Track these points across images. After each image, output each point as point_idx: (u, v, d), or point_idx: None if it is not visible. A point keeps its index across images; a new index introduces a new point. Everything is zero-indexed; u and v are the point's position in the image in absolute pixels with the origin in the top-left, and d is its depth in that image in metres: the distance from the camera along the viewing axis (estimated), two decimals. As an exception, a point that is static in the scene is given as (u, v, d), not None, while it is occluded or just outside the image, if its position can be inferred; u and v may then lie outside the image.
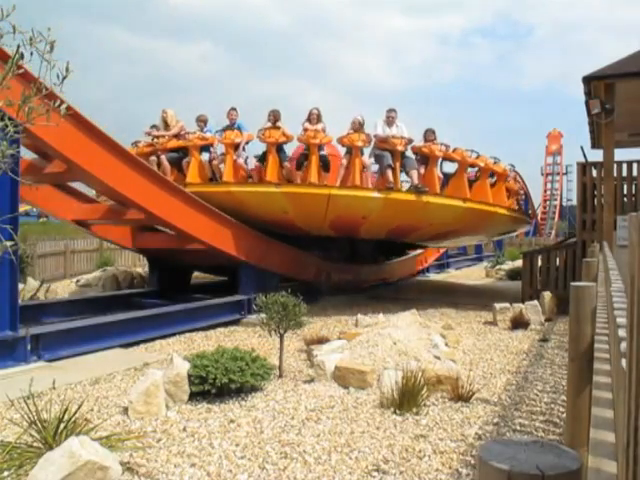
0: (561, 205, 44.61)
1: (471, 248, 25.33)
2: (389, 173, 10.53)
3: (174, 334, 8.36)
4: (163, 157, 10.96)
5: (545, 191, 45.56)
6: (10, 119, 2.97)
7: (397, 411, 4.95)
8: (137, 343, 7.76)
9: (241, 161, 10.86)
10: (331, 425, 4.64)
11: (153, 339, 8.00)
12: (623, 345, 1.65)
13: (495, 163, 11.97)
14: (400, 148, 10.77)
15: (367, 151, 11.13)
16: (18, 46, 2.78)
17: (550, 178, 45.82)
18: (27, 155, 7.95)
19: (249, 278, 10.22)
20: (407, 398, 5.00)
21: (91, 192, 10.52)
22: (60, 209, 9.71)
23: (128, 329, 7.78)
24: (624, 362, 1.48)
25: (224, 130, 11.03)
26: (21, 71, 2.98)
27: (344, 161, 10.78)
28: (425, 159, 11.25)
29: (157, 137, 11.29)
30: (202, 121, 11.48)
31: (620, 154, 11.43)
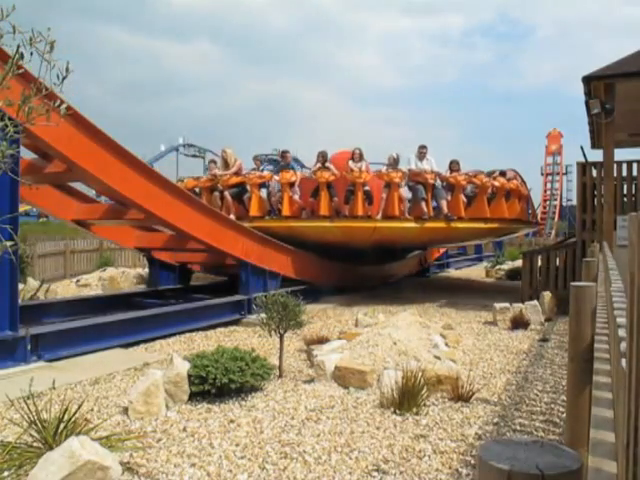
0: (561, 205, 44.60)
1: (471, 248, 25.33)
2: (423, 205, 12.27)
3: (174, 334, 8.36)
4: (226, 193, 12.57)
5: (545, 191, 45.55)
6: (10, 119, 2.97)
7: (397, 411, 4.95)
8: (137, 343, 7.77)
9: (296, 197, 12.44)
10: (331, 425, 4.64)
11: (153, 339, 8.00)
12: (623, 345, 1.66)
13: (509, 180, 13.62)
14: (430, 181, 12.42)
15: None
16: (18, 46, 2.78)
17: (550, 178, 45.81)
18: (27, 155, 7.95)
19: (248, 278, 10.22)
20: (407, 398, 5.00)
21: (91, 192, 10.52)
22: (60, 209, 9.71)
23: (128, 329, 7.78)
24: (624, 362, 1.48)
25: (280, 170, 12.82)
26: (21, 71, 2.98)
27: (384, 195, 12.28)
28: (451, 187, 12.82)
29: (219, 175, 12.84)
30: (259, 160, 14.08)
31: (620, 154, 11.44)
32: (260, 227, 11.33)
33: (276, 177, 12.71)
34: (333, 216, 12.10)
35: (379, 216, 12.13)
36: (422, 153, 12.67)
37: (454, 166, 13.15)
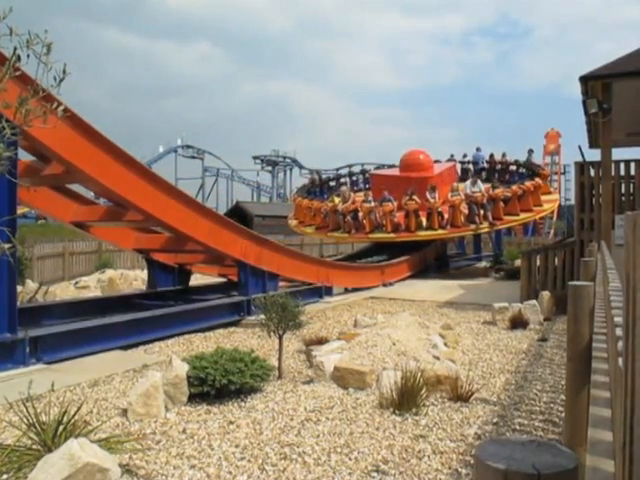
0: (559, 205, 44.57)
1: (470, 248, 25.34)
2: (475, 217, 18.37)
3: (173, 335, 8.36)
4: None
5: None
6: (7, 121, 2.97)
7: (396, 411, 4.96)
8: (136, 345, 7.76)
9: (395, 220, 18.43)
10: (330, 426, 4.64)
11: (152, 341, 8.00)
12: (620, 344, 1.66)
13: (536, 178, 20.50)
14: (479, 200, 18.39)
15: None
16: (15, 48, 2.78)
17: (548, 178, 45.77)
18: (25, 157, 7.94)
19: (247, 279, 10.22)
20: (406, 398, 5.00)
21: (89, 194, 10.52)
22: (58, 211, 9.69)
23: (127, 331, 7.78)
24: (621, 361, 1.48)
25: (381, 202, 18.60)
26: (18, 73, 2.98)
27: (446, 215, 18.55)
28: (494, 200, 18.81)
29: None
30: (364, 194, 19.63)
31: (618, 153, 11.45)
32: (375, 239, 19.19)
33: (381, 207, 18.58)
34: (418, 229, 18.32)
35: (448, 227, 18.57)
36: (474, 180, 19.12)
37: (494, 158, 22.61)
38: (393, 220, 18.52)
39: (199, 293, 11.70)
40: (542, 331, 9.02)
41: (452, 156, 23.80)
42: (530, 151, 22.69)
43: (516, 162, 22.33)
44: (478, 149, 23.46)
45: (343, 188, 20.81)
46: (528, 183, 19.51)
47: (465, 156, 23.60)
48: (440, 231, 18.35)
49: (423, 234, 18.22)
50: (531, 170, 21.45)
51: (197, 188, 71.30)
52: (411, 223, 18.39)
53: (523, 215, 19.37)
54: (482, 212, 18.45)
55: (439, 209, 18.48)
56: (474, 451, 1.48)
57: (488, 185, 19.58)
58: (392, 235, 18.53)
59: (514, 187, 19.15)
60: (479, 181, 19.02)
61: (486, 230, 19.27)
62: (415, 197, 18.29)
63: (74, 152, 7.27)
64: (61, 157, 7.27)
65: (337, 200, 19.96)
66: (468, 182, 19.06)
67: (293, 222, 22.03)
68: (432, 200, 18.28)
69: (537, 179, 20.16)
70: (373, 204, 18.92)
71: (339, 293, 13.17)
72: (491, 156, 22.98)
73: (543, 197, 20.35)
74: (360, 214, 18.98)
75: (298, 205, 21.78)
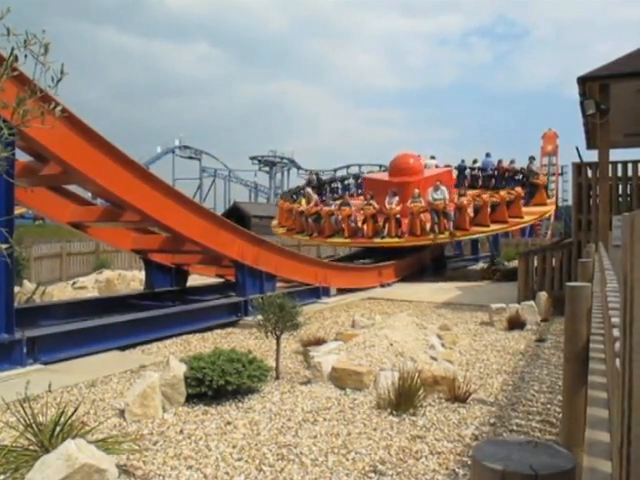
0: (557, 205, 44.60)
1: (467, 248, 25.37)
2: (435, 226, 17.31)
3: (170, 336, 8.36)
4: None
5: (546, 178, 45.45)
6: (5, 121, 2.96)
7: (394, 412, 4.96)
8: (134, 345, 7.76)
9: (353, 225, 18.18)
10: (328, 426, 4.65)
11: (149, 341, 7.99)
12: (618, 345, 1.66)
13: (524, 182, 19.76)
14: (441, 208, 17.24)
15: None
16: (13, 48, 2.77)
17: (543, 186, 45.78)
18: (22, 157, 7.93)
19: (245, 279, 10.22)
20: (404, 399, 5.00)
21: (87, 194, 10.51)
22: (56, 211, 9.68)
23: (124, 331, 7.77)
24: (618, 362, 1.48)
25: (340, 206, 18.38)
26: (16, 73, 2.97)
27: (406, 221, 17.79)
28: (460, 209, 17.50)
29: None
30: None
31: (615, 154, 11.47)
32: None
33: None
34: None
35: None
36: (436, 186, 17.67)
37: (502, 165, 21.45)
38: (350, 225, 18.08)
39: (197, 294, 11.69)
40: (539, 332, 9.03)
41: (463, 161, 22.53)
42: (531, 158, 21.08)
43: (522, 170, 20.89)
44: (488, 155, 22.16)
45: (308, 189, 20.57)
46: (503, 192, 18.16)
47: (475, 162, 22.16)
48: (395, 239, 17.53)
49: (378, 242, 17.63)
50: (525, 177, 20.26)
51: (195, 189, 71.31)
52: (368, 229, 17.85)
53: (494, 226, 17.92)
54: (445, 221, 17.37)
55: (397, 216, 17.73)
56: (471, 452, 1.49)
57: (476, 191, 18.83)
58: (348, 240, 18.30)
59: (484, 196, 17.88)
60: (442, 187, 17.79)
61: (446, 240, 18.25)
62: (373, 202, 17.88)
63: (72, 152, 7.26)
64: (59, 157, 7.26)
65: (304, 202, 19.85)
66: (430, 188, 17.90)
67: (274, 223, 22.30)
68: (388, 206, 17.61)
69: (518, 189, 18.55)
70: (333, 207, 18.58)
71: (336, 294, 13.17)
72: (499, 162, 21.60)
73: (533, 208, 19.08)
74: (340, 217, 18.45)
75: (280, 207, 21.80)
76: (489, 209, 17.65)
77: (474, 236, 18.73)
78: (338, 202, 19.19)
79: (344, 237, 18.00)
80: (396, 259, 17.35)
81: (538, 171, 19.88)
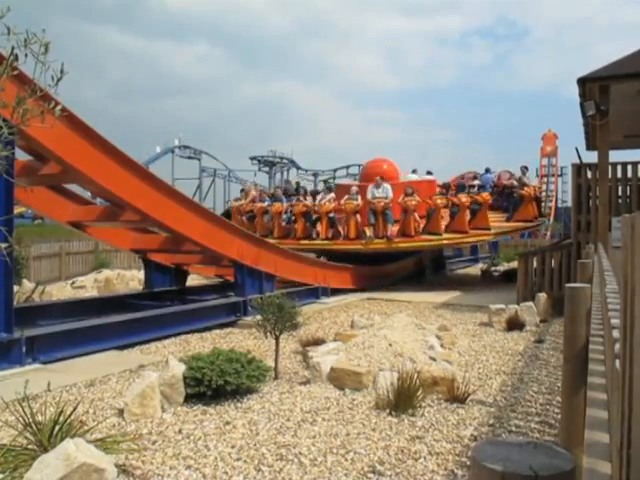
0: (556, 206, 44.59)
1: (467, 249, 25.35)
2: (371, 229, 14.77)
3: (169, 336, 8.35)
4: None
5: (540, 192, 45.49)
6: (5, 120, 2.96)
7: (393, 412, 4.96)
8: (132, 345, 7.75)
9: (284, 224, 16.19)
10: (327, 427, 4.64)
11: (148, 341, 7.99)
12: (617, 346, 1.66)
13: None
14: (380, 208, 14.65)
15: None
16: (13, 47, 2.77)
17: (545, 180, 45.81)
18: (22, 157, 7.93)
19: (244, 279, 10.22)
20: (403, 399, 5.00)
21: (86, 194, 10.50)
22: (55, 211, 9.68)
23: (123, 331, 7.77)
24: (618, 363, 1.48)
25: (272, 202, 16.37)
26: (16, 72, 2.97)
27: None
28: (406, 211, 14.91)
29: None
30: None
31: (615, 155, 11.47)
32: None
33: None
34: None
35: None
36: (377, 183, 15.12)
37: (501, 180, 18.06)
38: (281, 224, 16.20)
39: (196, 293, 11.70)
40: (538, 333, 9.03)
41: (462, 178, 20.20)
42: (523, 168, 17.55)
43: (512, 182, 17.58)
44: (487, 170, 19.24)
45: (247, 183, 18.77)
46: (464, 197, 15.36)
47: (475, 178, 19.17)
48: (326, 242, 15.23)
49: (306, 243, 15.41)
50: (509, 189, 17.26)
51: (194, 188, 71.23)
52: (298, 229, 15.71)
53: (448, 236, 15.14)
54: (383, 223, 14.77)
55: (331, 215, 15.51)
56: (471, 452, 1.48)
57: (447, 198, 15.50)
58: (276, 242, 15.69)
59: (439, 200, 15.01)
60: (386, 185, 15.08)
61: (380, 247, 14.77)
62: (307, 198, 16.18)
63: (71, 152, 7.26)
64: (58, 157, 7.26)
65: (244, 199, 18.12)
66: (371, 185, 15.38)
67: None
68: (319, 202, 15.56)
69: (485, 194, 15.86)
70: (266, 204, 16.65)
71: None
72: (498, 178, 18.41)
73: (511, 224, 16.28)
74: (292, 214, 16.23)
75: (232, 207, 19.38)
76: (449, 216, 15.36)
77: (419, 244, 15.11)
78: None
79: (274, 237, 15.55)
80: (379, 265, 15.60)
81: (528, 182, 16.79)
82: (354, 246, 14.79)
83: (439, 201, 14.90)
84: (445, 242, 15.46)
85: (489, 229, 15.48)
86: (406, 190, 14.88)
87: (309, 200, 16.16)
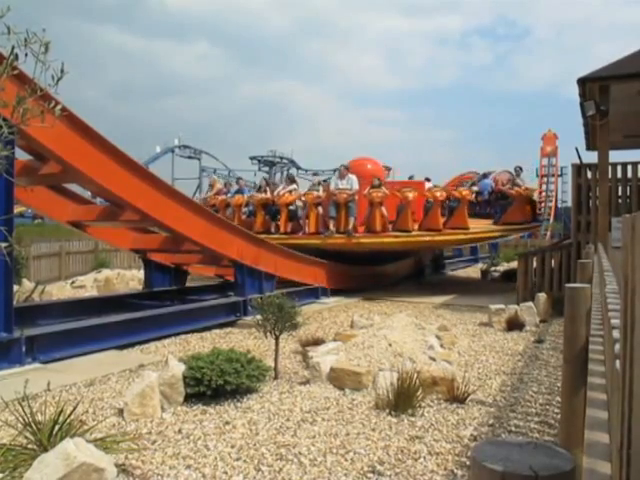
0: (556, 206, 44.61)
1: (466, 249, 25.36)
2: (331, 222, 13.50)
3: (169, 336, 8.35)
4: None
5: (540, 193, 45.52)
6: (5, 120, 2.96)
7: (392, 412, 4.96)
8: (132, 345, 7.75)
9: (244, 217, 14.89)
10: (326, 426, 4.64)
11: (148, 341, 7.99)
12: (617, 346, 1.66)
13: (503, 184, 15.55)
14: (343, 200, 13.46)
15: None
16: (13, 47, 2.77)
17: (545, 180, 45.82)
18: (22, 156, 7.93)
19: (244, 279, 10.22)
20: (402, 399, 5.00)
21: (86, 193, 10.50)
22: (55, 210, 9.68)
23: (123, 331, 7.77)
24: (618, 363, 1.48)
25: (234, 194, 15.11)
26: (16, 72, 2.97)
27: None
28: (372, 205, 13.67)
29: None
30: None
31: (615, 156, 11.46)
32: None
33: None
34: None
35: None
36: (342, 173, 13.92)
37: (499, 186, 16.10)
38: (242, 217, 15.04)
39: (196, 293, 11.70)
40: (538, 333, 9.03)
41: (462, 177, 19.68)
42: (517, 169, 16.03)
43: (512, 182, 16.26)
44: (485, 175, 17.84)
45: (212, 176, 17.34)
46: (440, 191, 14.14)
47: (473, 184, 17.42)
48: (281, 235, 13.99)
49: (263, 237, 13.20)
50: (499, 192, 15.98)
51: (194, 188, 71.21)
52: (257, 222, 14.52)
53: (417, 234, 13.67)
54: (345, 217, 13.52)
55: (291, 207, 14.39)
56: (471, 452, 1.48)
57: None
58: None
59: (409, 193, 13.54)
60: (352, 176, 13.77)
61: (339, 243, 13.40)
62: (267, 189, 15.00)
63: (71, 151, 7.26)
64: (58, 156, 7.26)
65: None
66: (335, 176, 14.34)
67: None
68: (278, 192, 14.44)
69: (465, 191, 14.59)
70: (228, 196, 15.51)
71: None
72: (496, 184, 16.49)
73: (496, 227, 15.10)
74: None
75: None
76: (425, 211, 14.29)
77: (383, 241, 13.58)
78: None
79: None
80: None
81: (522, 183, 15.30)
82: (311, 241, 13.46)
83: (409, 194, 13.44)
84: (412, 240, 13.78)
85: (467, 229, 14.19)
86: (373, 181, 13.62)
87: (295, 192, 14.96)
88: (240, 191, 15.57)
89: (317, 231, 13.72)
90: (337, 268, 13.46)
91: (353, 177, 13.80)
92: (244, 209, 15.24)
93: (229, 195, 15.84)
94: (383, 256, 14.84)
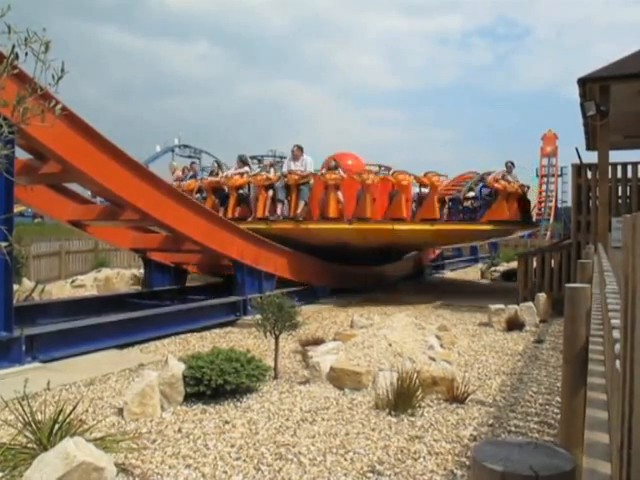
0: (556, 207, 44.65)
1: (466, 249, 25.37)
2: (279, 206, 12.46)
3: (169, 335, 8.35)
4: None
5: (540, 193, 45.58)
6: (5, 119, 2.96)
7: (392, 412, 4.96)
8: (132, 344, 7.75)
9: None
10: (326, 426, 4.64)
11: (148, 340, 7.99)
12: (617, 347, 1.66)
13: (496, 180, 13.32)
14: (292, 182, 12.41)
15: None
16: (13, 46, 2.77)
17: (545, 180, 45.86)
18: (22, 155, 7.92)
19: (244, 279, 10.22)
20: (402, 399, 5.00)
21: (86, 193, 10.50)
22: (55, 210, 9.68)
23: (123, 330, 7.76)
24: (618, 363, 1.48)
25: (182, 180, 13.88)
26: (16, 71, 2.97)
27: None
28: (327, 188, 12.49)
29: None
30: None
31: (615, 156, 11.46)
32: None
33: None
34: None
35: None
36: (295, 154, 12.76)
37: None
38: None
39: (195, 293, 11.70)
40: (538, 333, 9.03)
41: (458, 192, 18.94)
42: (509, 164, 14.15)
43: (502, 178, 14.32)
44: (483, 177, 15.10)
45: (173, 163, 14.88)
46: (404, 176, 12.64)
47: (470, 189, 15.03)
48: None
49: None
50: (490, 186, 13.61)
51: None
52: (207, 206, 12.43)
53: (376, 222, 12.37)
54: (296, 201, 12.33)
55: (241, 191, 13.13)
56: (471, 452, 1.48)
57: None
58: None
59: (373, 176, 12.37)
60: (307, 157, 12.74)
61: (285, 228, 12.12)
62: (219, 172, 13.81)
63: (71, 151, 7.26)
64: (58, 156, 7.26)
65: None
66: (288, 158, 13.22)
67: None
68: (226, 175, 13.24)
69: (434, 177, 12.85)
70: (183, 183, 14.08)
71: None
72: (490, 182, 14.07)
73: (473, 226, 13.32)
74: None
75: None
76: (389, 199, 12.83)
77: (331, 227, 12.11)
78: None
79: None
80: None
81: (511, 179, 13.56)
82: (258, 226, 11.95)
83: (369, 176, 12.17)
84: (369, 228, 12.20)
85: (435, 220, 12.72)
86: (329, 163, 12.62)
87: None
88: (194, 176, 14.59)
89: (266, 216, 12.49)
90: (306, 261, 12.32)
91: (308, 158, 12.78)
92: (196, 195, 13.69)
93: (184, 182, 14.50)
94: (347, 251, 13.00)
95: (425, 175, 12.90)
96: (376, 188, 12.55)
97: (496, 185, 13.21)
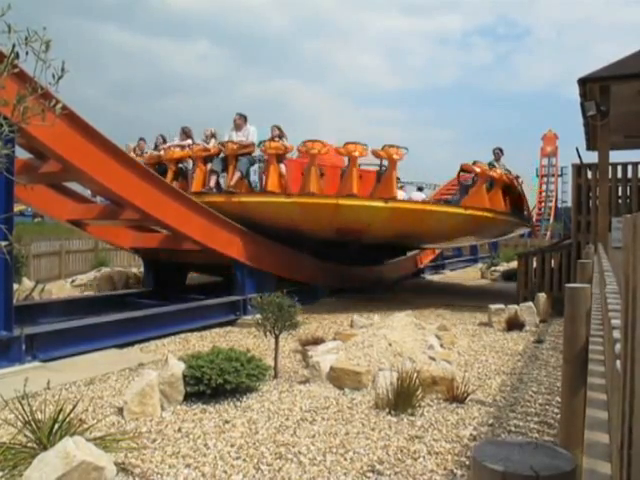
0: (556, 207, 44.68)
1: (466, 249, 25.37)
2: (212, 179, 11.25)
3: (169, 334, 8.35)
4: None
5: (540, 193, 45.62)
6: (5, 118, 2.96)
7: (392, 412, 4.96)
8: (132, 343, 7.75)
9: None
10: (326, 426, 4.64)
11: (148, 339, 7.99)
12: (618, 347, 1.66)
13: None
14: (231, 152, 11.16)
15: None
16: (13, 45, 2.77)
17: (545, 180, 45.90)
18: (22, 155, 7.93)
19: (244, 278, 10.22)
20: (402, 399, 5.00)
21: (86, 192, 10.50)
22: (55, 209, 9.69)
23: (123, 329, 7.76)
24: (618, 363, 1.48)
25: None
26: (16, 70, 2.97)
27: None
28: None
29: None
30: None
31: (615, 156, 11.46)
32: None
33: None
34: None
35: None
36: (237, 124, 11.58)
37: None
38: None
39: (195, 292, 11.69)
40: (538, 333, 9.03)
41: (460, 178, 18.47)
42: (497, 150, 13.15)
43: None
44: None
45: (129, 144, 12.87)
46: (355, 147, 10.91)
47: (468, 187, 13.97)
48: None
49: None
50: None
51: (194, 187, 71.18)
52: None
53: (321, 196, 10.81)
54: (233, 172, 11.16)
55: (180, 165, 12.03)
56: (471, 452, 1.48)
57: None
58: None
59: (309, 143, 10.95)
60: (251, 127, 11.55)
61: (216, 202, 10.55)
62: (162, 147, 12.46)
63: (72, 150, 7.26)
64: (58, 155, 7.26)
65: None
66: (230, 127, 11.78)
67: None
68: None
69: (392, 149, 11.22)
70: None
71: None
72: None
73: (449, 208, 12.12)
74: None
75: None
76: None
77: (264, 200, 10.91)
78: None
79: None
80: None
81: (497, 165, 12.42)
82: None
83: (313, 146, 10.84)
84: (310, 202, 10.73)
85: (393, 199, 11.23)
86: (272, 132, 11.41)
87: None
88: (142, 154, 13.03)
89: (200, 191, 11.14)
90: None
91: (251, 128, 11.54)
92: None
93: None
94: (301, 238, 11.54)
95: (383, 148, 11.31)
96: (323, 161, 11.32)
97: (474, 168, 11.98)
